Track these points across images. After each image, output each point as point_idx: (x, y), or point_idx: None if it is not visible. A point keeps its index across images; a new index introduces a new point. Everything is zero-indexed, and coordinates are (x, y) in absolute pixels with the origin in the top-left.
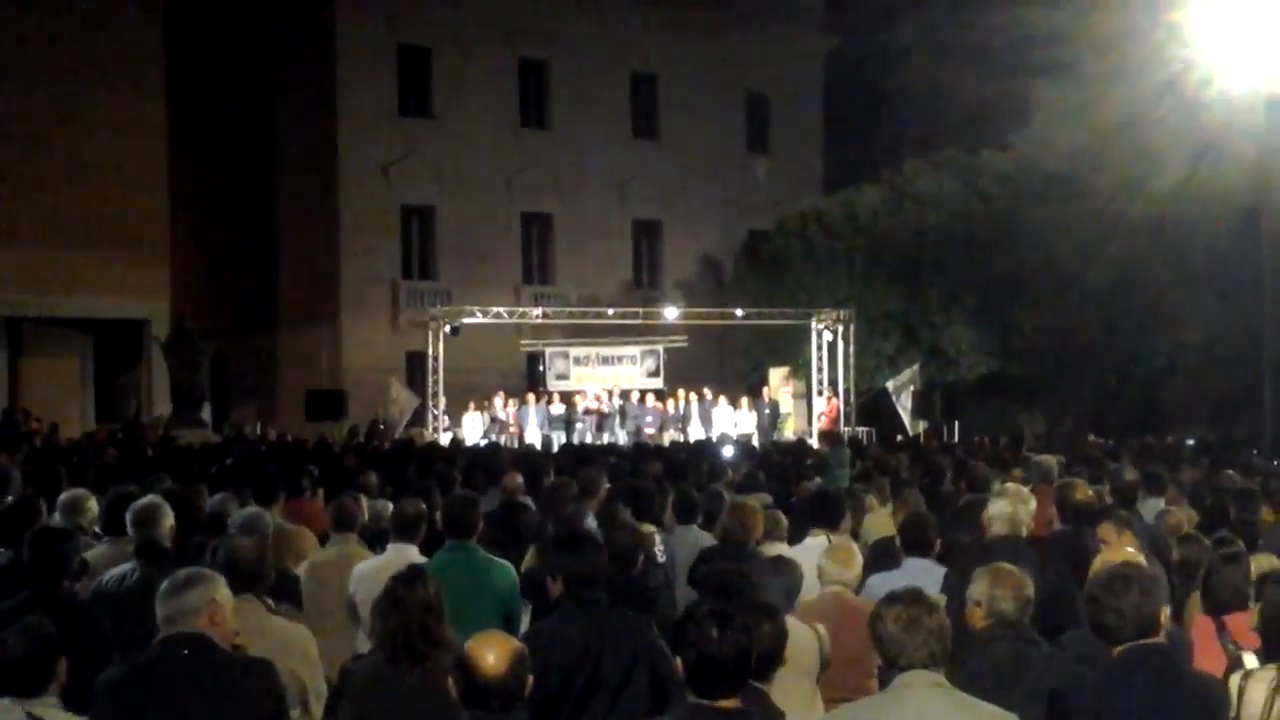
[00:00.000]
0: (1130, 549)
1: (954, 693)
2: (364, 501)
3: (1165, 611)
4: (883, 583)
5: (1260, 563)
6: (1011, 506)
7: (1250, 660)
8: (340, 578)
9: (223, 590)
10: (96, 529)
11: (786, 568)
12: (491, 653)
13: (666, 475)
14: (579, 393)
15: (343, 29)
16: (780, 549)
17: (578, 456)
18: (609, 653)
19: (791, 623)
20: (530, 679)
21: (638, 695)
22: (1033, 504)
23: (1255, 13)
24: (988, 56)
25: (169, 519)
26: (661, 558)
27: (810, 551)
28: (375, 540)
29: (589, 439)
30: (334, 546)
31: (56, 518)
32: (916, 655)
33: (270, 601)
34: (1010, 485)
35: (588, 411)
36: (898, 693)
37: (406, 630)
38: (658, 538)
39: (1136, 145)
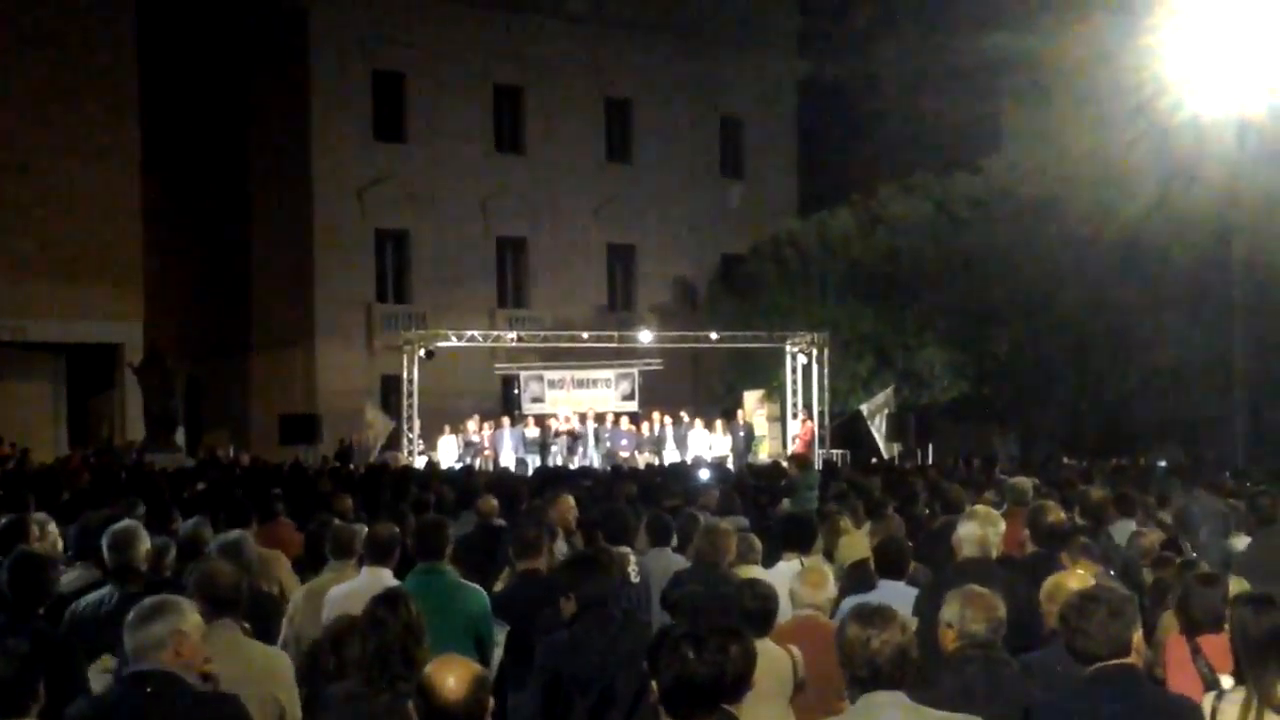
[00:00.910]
0: (1081, 572)
1: (921, 710)
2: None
3: (1138, 633)
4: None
5: (1234, 586)
6: (981, 529)
7: (1226, 682)
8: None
9: (190, 618)
10: (67, 554)
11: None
12: (452, 677)
13: (640, 498)
14: (552, 415)
15: (317, 54)
16: (754, 572)
17: (552, 480)
18: (624, 667)
19: (766, 644)
20: (491, 703)
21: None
22: (1002, 526)
23: (1225, 37)
24: (959, 81)
25: (145, 543)
26: (635, 579)
27: (783, 575)
28: None
29: (560, 461)
30: (330, 571)
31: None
32: (883, 672)
33: (246, 625)
34: (979, 508)
35: (558, 434)
36: (866, 711)
37: (387, 651)
38: (631, 559)
39: (1108, 169)
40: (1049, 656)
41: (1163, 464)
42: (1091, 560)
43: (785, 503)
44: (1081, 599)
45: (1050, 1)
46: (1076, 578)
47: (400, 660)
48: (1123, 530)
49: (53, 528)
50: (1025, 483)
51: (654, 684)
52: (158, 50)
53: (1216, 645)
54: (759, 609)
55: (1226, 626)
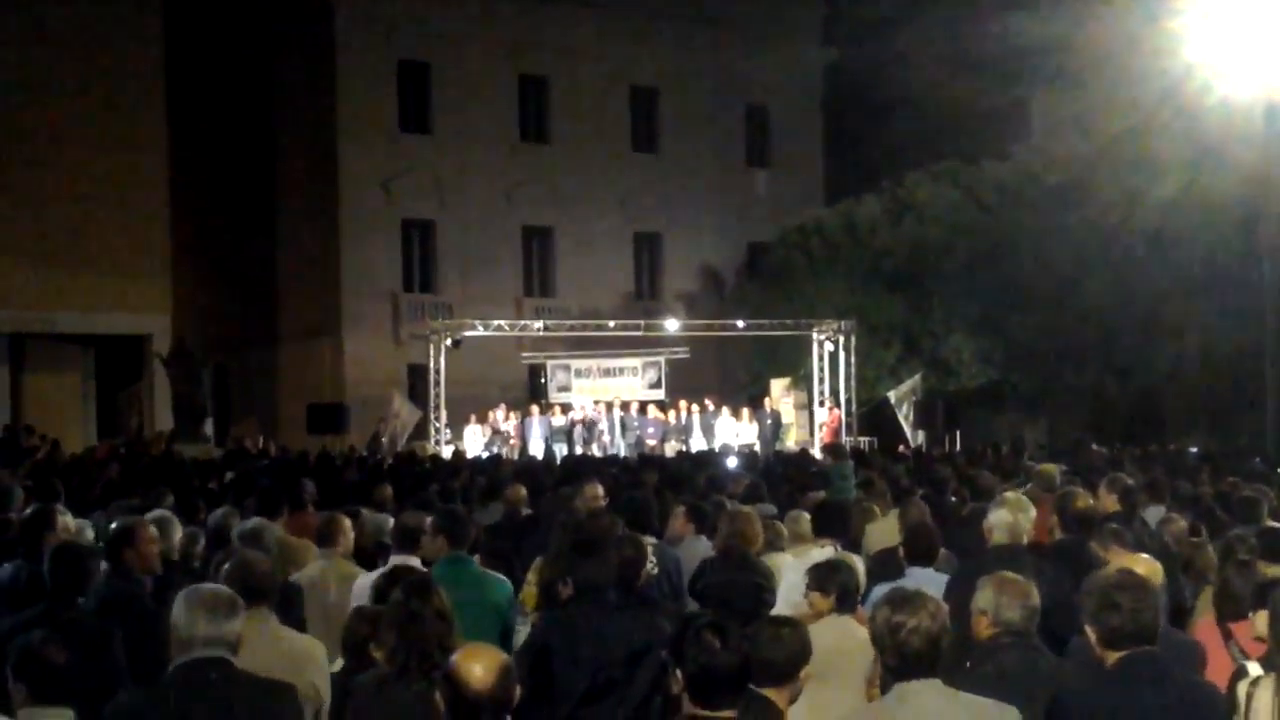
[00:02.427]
0: (1145, 556)
1: (957, 695)
2: (365, 515)
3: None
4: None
5: (1274, 571)
6: (1012, 515)
7: (1254, 669)
8: (324, 594)
9: (244, 617)
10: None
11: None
12: (479, 665)
13: (666, 485)
14: (566, 405)
15: (343, 44)
16: (783, 559)
17: (579, 468)
18: (614, 654)
19: (852, 624)
20: (518, 691)
21: (641, 696)
22: (1033, 512)
23: (1254, 20)
24: (987, 67)
25: (177, 533)
26: (654, 570)
27: (815, 562)
28: (378, 553)
29: (580, 450)
30: (318, 562)
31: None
32: (913, 658)
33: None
34: (1010, 494)
35: (574, 423)
36: (901, 700)
37: (424, 642)
38: (650, 549)
39: (1136, 154)
40: (1086, 644)
41: (1194, 450)
42: (1123, 546)
43: (822, 491)
44: (1106, 585)
45: None
46: (1141, 560)
47: (438, 649)
48: (1153, 516)
49: (69, 520)
50: (1052, 469)
51: (678, 672)
52: (184, 42)
53: (1248, 631)
54: (849, 583)
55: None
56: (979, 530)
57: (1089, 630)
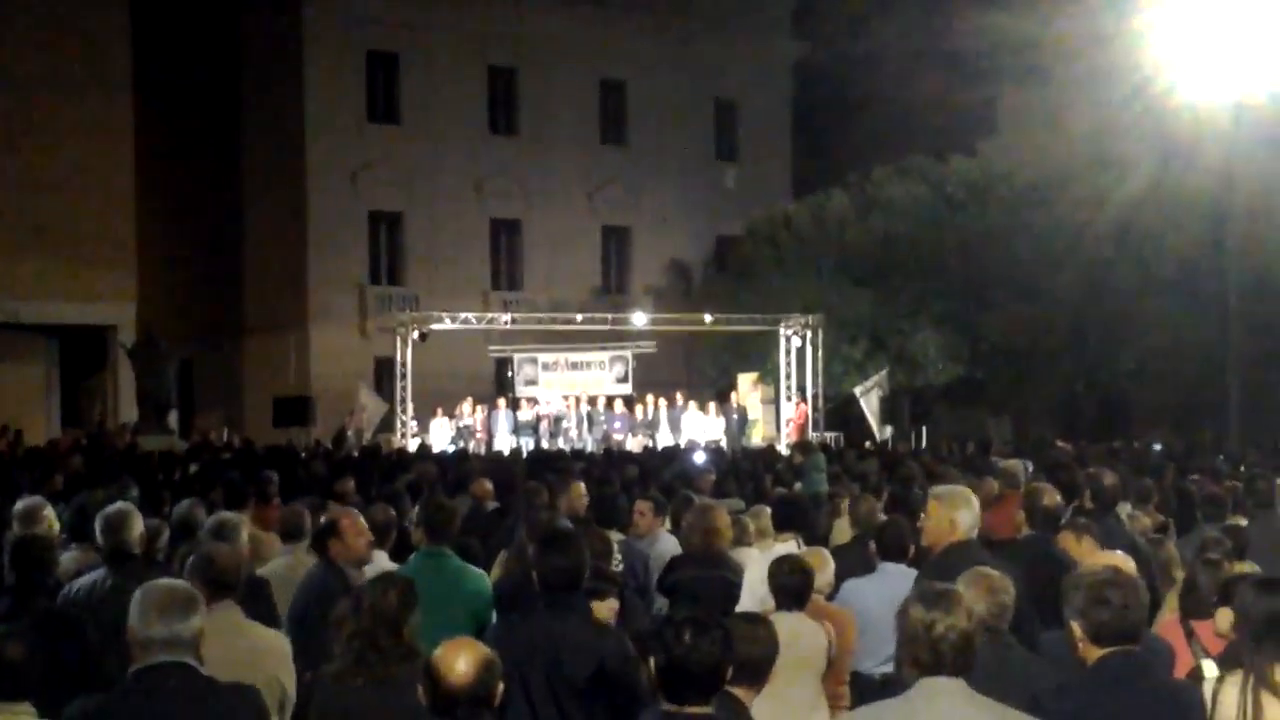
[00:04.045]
0: (1119, 553)
1: (979, 697)
2: (332, 509)
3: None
4: (857, 589)
5: (1241, 569)
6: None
7: (1210, 668)
8: (289, 588)
9: (203, 610)
10: (61, 536)
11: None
12: (460, 659)
13: (639, 481)
14: (533, 399)
15: (310, 35)
16: (749, 554)
17: (546, 463)
18: (573, 654)
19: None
20: (500, 686)
21: (599, 699)
22: (966, 508)
23: (1222, 20)
24: (956, 63)
25: (139, 525)
26: (618, 565)
27: (775, 556)
28: None
29: (545, 444)
30: (283, 558)
31: (15, 527)
32: (946, 658)
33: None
34: (938, 489)
35: (541, 417)
36: (924, 697)
37: (372, 633)
38: (615, 545)
39: (1104, 152)
40: (1058, 639)
41: (1158, 447)
42: (1094, 540)
43: (797, 485)
44: (1096, 582)
45: None
46: (1116, 559)
47: (388, 636)
48: (1119, 512)
49: (49, 512)
50: (1018, 465)
51: (651, 669)
52: (150, 30)
53: (1211, 629)
54: (797, 584)
55: (1217, 612)
56: None
57: (1074, 625)
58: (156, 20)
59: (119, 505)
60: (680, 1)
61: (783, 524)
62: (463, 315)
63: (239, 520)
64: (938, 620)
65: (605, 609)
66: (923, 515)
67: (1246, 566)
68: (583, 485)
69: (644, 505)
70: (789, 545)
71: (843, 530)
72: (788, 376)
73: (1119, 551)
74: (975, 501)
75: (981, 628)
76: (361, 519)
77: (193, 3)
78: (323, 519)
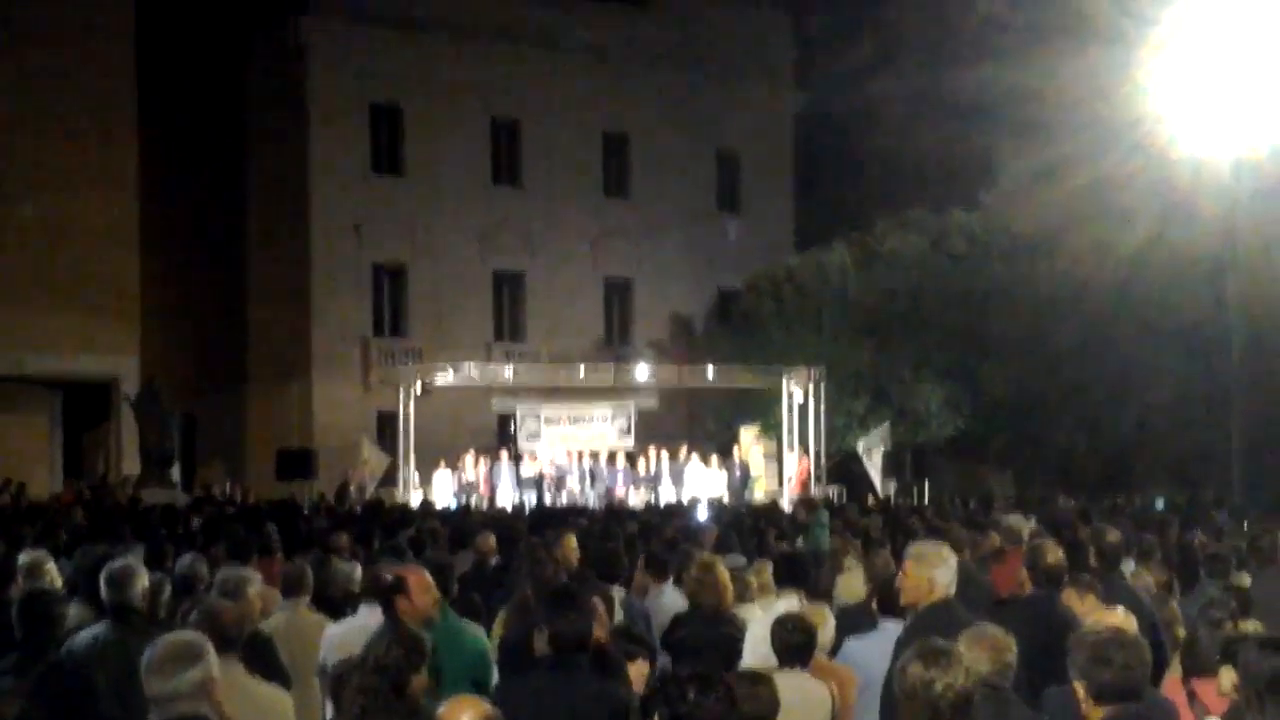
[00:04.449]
0: (1120, 609)
1: None
2: (334, 563)
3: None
4: (859, 646)
5: (1246, 628)
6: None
7: None
8: (288, 643)
9: (215, 661)
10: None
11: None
12: (465, 716)
13: (640, 537)
14: (535, 454)
15: (314, 87)
16: (751, 611)
17: (549, 518)
18: (580, 715)
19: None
20: None
21: None
22: (941, 565)
23: (1222, 74)
24: (956, 116)
25: (143, 581)
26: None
27: (777, 613)
28: (346, 602)
29: (548, 499)
30: (282, 612)
31: (20, 581)
32: (944, 717)
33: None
34: (914, 548)
35: (542, 474)
36: None
37: (366, 692)
38: (616, 600)
39: (1104, 205)
40: (1058, 695)
41: (1160, 503)
42: (1097, 597)
43: (799, 542)
44: (1101, 640)
45: (1046, 37)
46: (1118, 617)
47: (392, 693)
48: (1123, 569)
49: (51, 565)
50: (1021, 522)
51: None
52: (156, 81)
53: (1213, 689)
54: (801, 642)
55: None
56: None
57: (1077, 684)
58: (162, 71)
59: (123, 561)
60: (682, 54)
61: (785, 580)
62: (465, 368)
63: (248, 576)
64: (937, 679)
65: (635, 671)
66: (900, 575)
67: (1251, 625)
68: (574, 538)
69: (640, 561)
70: (791, 602)
71: (847, 586)
72: (790, 430)
73: (1120, 609)
74: (953, 559)
75: (979, 686)
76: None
77: (198, 54)
78: (389, 576)
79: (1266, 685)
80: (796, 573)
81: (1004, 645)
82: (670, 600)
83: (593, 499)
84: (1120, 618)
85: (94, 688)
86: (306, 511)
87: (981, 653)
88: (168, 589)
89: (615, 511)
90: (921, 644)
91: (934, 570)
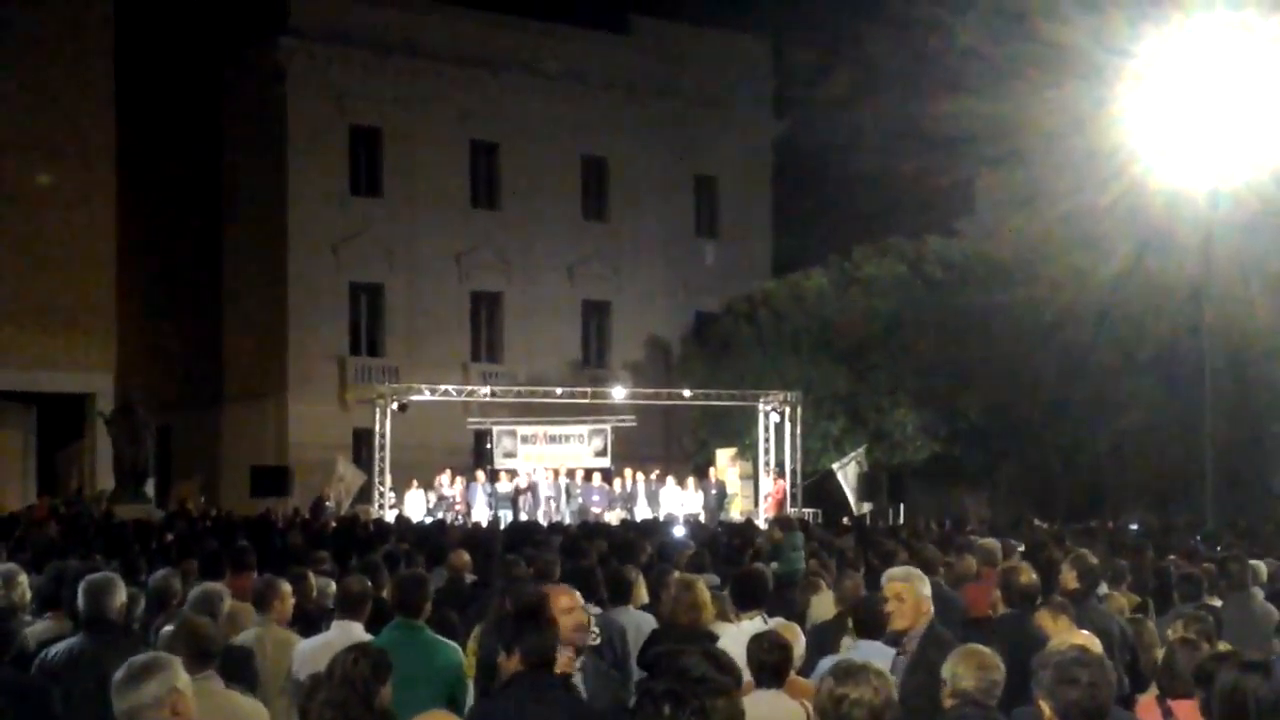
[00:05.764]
0: (1085, 633)
1: None
2: (311, 579)
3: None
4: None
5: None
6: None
7: None
8: (261, 659)
9: (183, 676)
10: (32, 605)
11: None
12: None
13: (613, 554)
14: (511, 471)
15: (293, 108)
16: (725, 629)
17: (523, 535)
18: None
19: (781, 697)
20: None
21: None
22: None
23: (1198, 107)
24: (935, 144)
25: (121, 595)
26: (595, 639)
27: (746, 634)
28: (320, 618)
29: (524, 517)
30: (255, 628)
31: None
32: None
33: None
34: (898, 571)
35: (519, 490)
36: None
37: (333, 705)
38: (592, 619)
39: (1081, 234)
40: (1028, 715)
41: (1134, 527)
42: (1070, 619)
43: (773, 564)
44: (1064, 661)
45: (1024, 69)
46: (1083, 637)
47: (359, 706)
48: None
49: (23, 579)
50: (995, 544)
51: None
52: (134, 100)
53: (1188, 710)
54: (775, 660)
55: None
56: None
57: (1043, 704)
58: (140, 91)
59: (103, 573)
60: (662, 79)
61: (745, 602)
62: (442, 387)
63: (221, 591)
64: (847, 695)
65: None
66: (891, 600)
67: (1222, 647)
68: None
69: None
70: (756, 623)
71: (821, 606)
72: (766, 452)
73: (1084, 631)
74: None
75: (966, 705)
76: (566, 597)
77: (176, 74)
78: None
79: (1238, 706)
80: (757, 593)
81: (992, 664)
82: (641, 618)
83: (568, 517)
84: (1085, 637)
85: (50, 701)
86: (281, 527)
87: (969, 670)
88: (141, 603)
89: (589, 528)
90: (838, 662)
91: (925, 587)
